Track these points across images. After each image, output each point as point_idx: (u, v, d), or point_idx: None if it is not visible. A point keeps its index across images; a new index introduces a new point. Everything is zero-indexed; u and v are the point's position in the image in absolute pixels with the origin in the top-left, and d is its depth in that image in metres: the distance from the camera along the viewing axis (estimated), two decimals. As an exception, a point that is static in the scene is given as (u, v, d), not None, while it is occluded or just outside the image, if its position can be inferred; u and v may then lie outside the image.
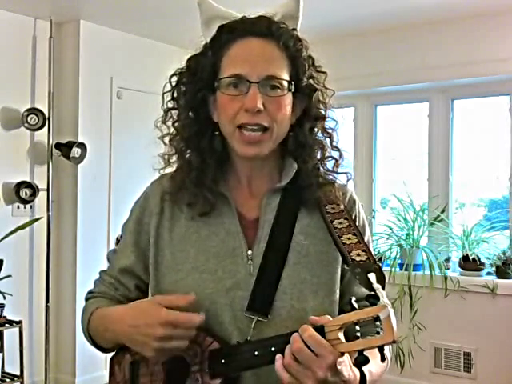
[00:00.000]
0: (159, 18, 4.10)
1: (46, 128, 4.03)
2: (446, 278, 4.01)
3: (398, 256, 4.21)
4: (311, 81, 1.19)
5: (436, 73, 4.16)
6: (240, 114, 1.13)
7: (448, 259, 4.17)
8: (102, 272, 1.32)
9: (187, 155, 1.21)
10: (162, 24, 4.21)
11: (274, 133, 1.15)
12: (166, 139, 1.24)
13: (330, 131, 1.23)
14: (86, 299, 1.30)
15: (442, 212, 4.19)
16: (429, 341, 4.04)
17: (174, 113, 1.23)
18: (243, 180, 1.23)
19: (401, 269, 4.11)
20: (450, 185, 4.31)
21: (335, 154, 1.23)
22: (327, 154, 1.22)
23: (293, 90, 1.16)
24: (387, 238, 4.27)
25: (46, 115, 4.02)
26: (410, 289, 4.02)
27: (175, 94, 1.22)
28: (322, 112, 1.21)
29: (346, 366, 1.01)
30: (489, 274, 4.03)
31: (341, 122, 1.24)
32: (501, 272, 3.92)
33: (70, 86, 4.23)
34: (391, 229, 4.30)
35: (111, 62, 4.37)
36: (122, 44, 4.43)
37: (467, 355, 3.98)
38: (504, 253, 3.97)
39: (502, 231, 4.11)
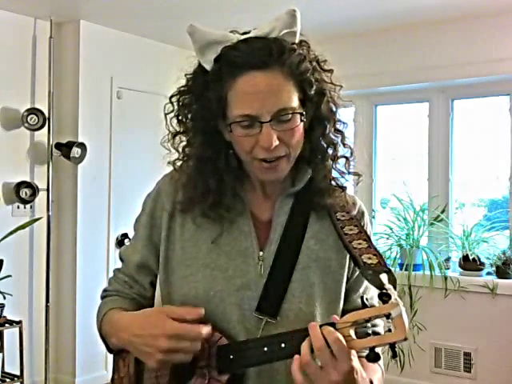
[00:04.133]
0: (159, 17, 4.10)
1: (46, 128, 4.03)
2: (446, 277, 4.01)
3: (397, 256, 4.21)
4: (318, 84, 1.17)
5: (436, 73, 4.16)
6: (256, 150, 1.12)
7: (448, 259, 4.17)
8: (115, 270, 1.32)
9: (202, 178, 1.19)
10: (162, 24, 4.21)
11: (291, 157, 1.15)
12: (175, 149, 1.23)
13: (341, 129, 1.23)
14: (102, 297, 1.30)
15: (442, 212, 4.19)
16: (429, 341, 4.04)
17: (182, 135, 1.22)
18: (257, 184, 1.23)
19: (401, 269, 4.11)
20: (450, 185, 4.31)
21: (346, 153, 1.23)
22: (339, 154, 1.22)
23: (304, 119, 1.14)
24: (387, 238, 4.27)
25: (46, 115, 4.02)
26: (409, 289, 4.02)
27: (180, 117, 1.21)
28: (333, 111, 1.20)
29: (364, 379, 1.03)
30: (489, 274, 4.03)
31: (348, 119, 1.24)
32: (501, 272, 3.92)
33: (70, 86, 4.23)
34: (391, 229, 4.30)
35: (111, 61, 4.37)
36: (122, 44, 4.43)
37: (467, 355, 3.99)
38: (504, 253, 3.97)
39: (501, 231, 4.11)
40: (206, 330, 1.07)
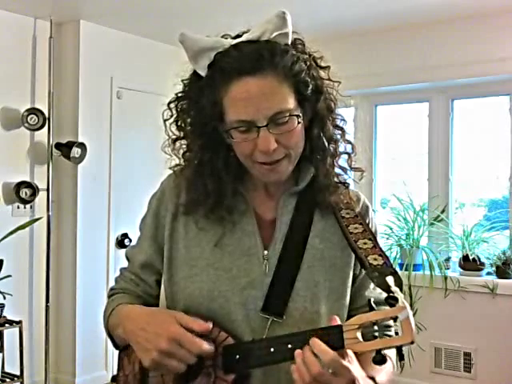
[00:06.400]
0: (159, 18, 4.10)
1: (46, 128, 4.03)
2: (446, 277, 4.01)
3: (398, 256, 4.21)
4: (314, 82, 1.16)
5: (436, 73, 4.16)
6: (256, 153, 1.12)
7: (448, 259, 4.17)
8: (122, 269, 1.33)
9: (202, 180, 1.19)
10: (162, 24, 4.21)
11: (292, 157, 1.15)
12: (176, 154, 1.24)
13: (341, 125, 1.22)
14: (109, 296, 1.31)
15: (442, 212, 4.19)
16: (429, 341, 4.04)
17: (182, 140, 1.23)
18: (259, 183, 1.23)
19: (401, 269, 4.11)
20: (450, 185, 4.31)
21: (348, 148, 1.23)
22: (340, 150, 1.22)
23: (301, 121, 1.13)
24: (387, 238, 4.27)
25: (46, 115, 4.02)
26: (409, 289, 4.02)
27: (179, 123, 1.21)
28: (331, 107, 1.20)
29: (364, 379, 1.03)
30: (489, 274, 4.03)
31: (348, 116, 1.24)
32: (501, 272, 3.92)
33: (70, 86, 4.23)
34: (391, 229, 4.30)
35: (111, 62, 4.37)
36: (122, 44, 4.43)
37: (467, 355, 3.99)
38: (504, 253, 3.97)
39: (502, 231, 4.12)
40: (207, 347, 1.07)
